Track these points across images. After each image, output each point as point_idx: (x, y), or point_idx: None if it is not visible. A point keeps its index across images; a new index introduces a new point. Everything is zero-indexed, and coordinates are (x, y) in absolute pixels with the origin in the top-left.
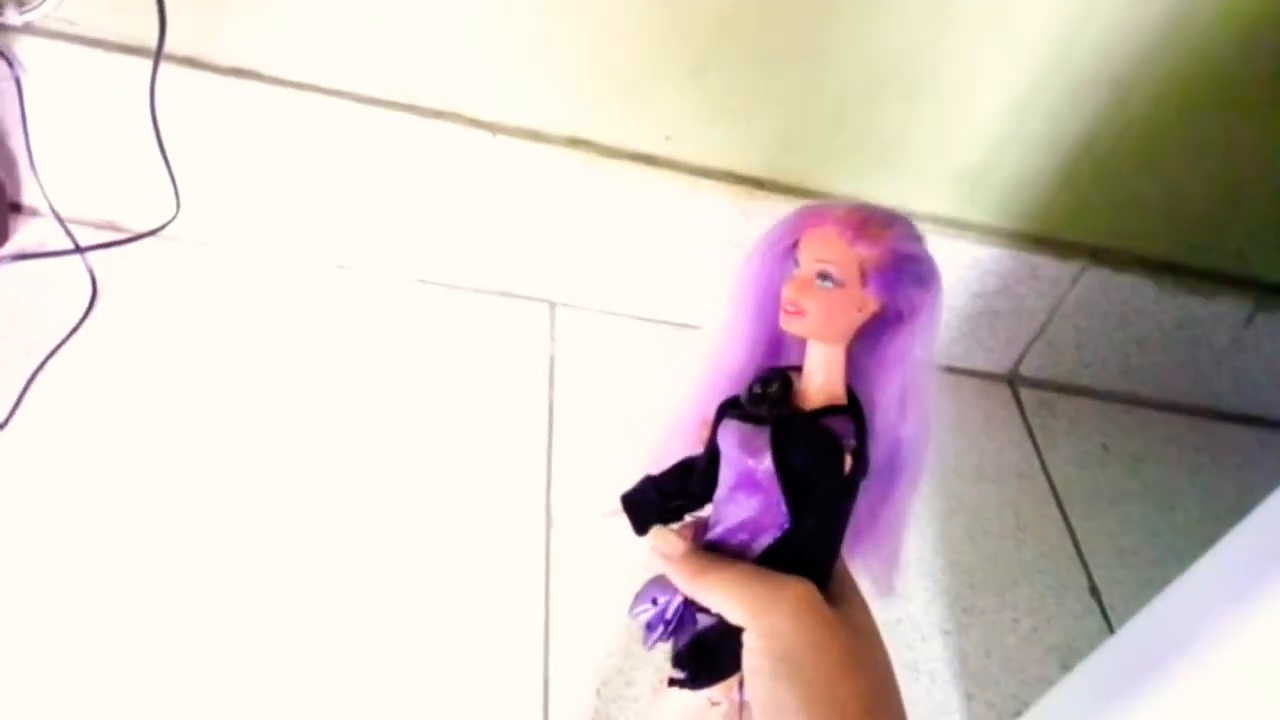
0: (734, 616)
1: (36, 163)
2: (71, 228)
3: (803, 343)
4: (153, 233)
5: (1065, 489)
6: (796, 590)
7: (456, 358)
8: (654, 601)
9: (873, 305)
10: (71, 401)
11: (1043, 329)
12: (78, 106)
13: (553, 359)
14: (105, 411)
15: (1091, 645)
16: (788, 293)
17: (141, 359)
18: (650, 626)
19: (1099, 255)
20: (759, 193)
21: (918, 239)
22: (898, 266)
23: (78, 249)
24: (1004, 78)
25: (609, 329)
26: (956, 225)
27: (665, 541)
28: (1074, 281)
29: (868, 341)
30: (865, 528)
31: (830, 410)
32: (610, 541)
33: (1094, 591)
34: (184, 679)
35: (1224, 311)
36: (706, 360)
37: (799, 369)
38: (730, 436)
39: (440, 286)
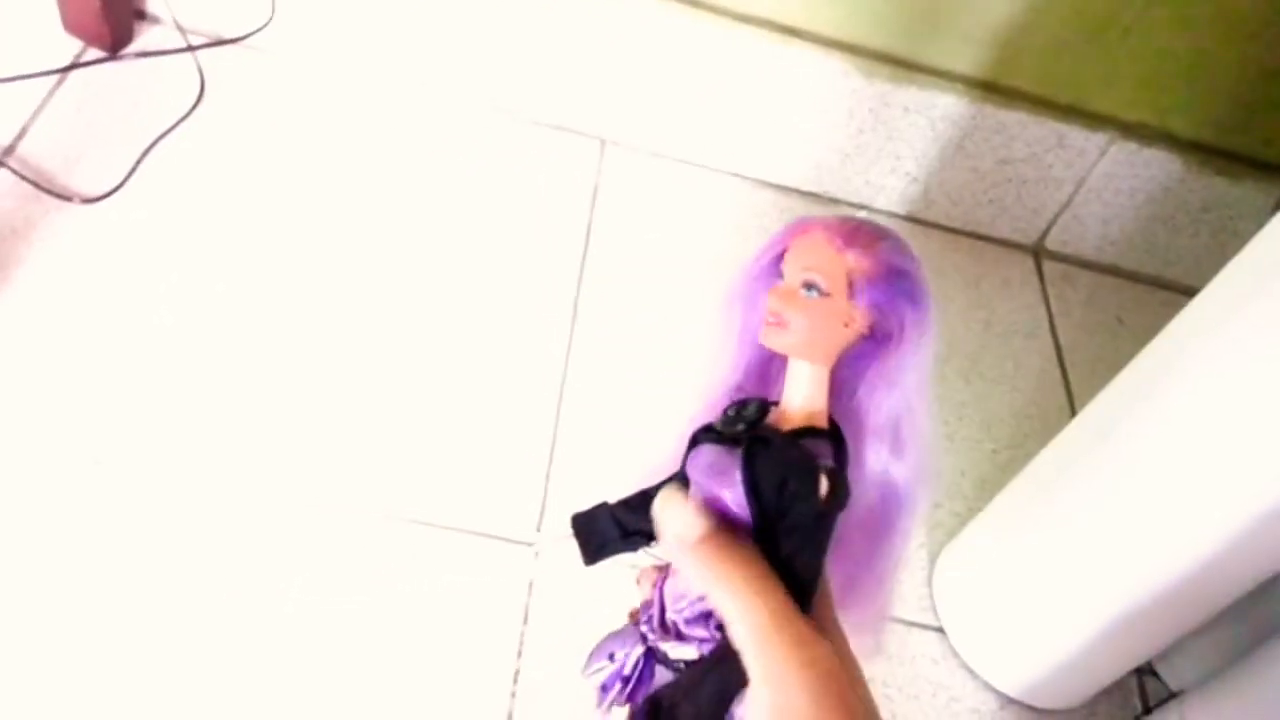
0: (744, 650)
1: None
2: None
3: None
4: (248, 36)
5: (1070, 352)
6: (820, 661)
7: (511, 180)
8: (611, 657)
9: (861, 322)
10: (175, 177)
11: (1069, 201)
12: None
13: (596, 189)
14: (202, 190)
15: None
16: (770, 303)
17: (238, 148)
18: (605, 687)
19: (1127, 129)
20: (794, 40)
21: (911, 256)
22: (889, 280)
23: (189, 48)
24: None
25: (652, 168)
26: (986, 87)
27: (680, 518)
28: (1101, 154)
29: (855, 367)
30: (859, 580)
31: (808, 432)
32: (628, 336)
33: None
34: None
35: (1251, 196)
36: (695, 389)
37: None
38: (700, 460)
39: (503, 114)
